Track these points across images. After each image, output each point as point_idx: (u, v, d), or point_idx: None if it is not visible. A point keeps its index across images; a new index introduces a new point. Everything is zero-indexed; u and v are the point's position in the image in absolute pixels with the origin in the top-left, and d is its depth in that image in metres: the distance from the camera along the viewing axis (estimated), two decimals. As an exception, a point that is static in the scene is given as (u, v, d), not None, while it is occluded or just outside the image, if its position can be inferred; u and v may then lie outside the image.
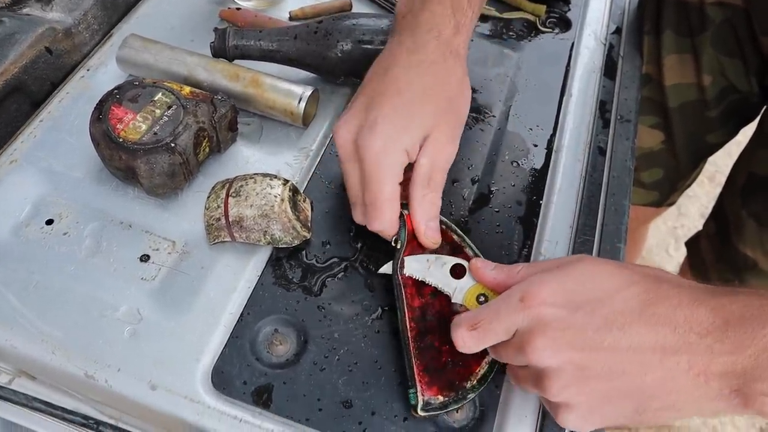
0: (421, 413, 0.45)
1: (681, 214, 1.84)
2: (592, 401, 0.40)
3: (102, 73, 0.67)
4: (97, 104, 0.55)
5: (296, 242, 0.53)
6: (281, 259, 0.54)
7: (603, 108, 0.70)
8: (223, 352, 0.48)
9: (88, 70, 0.67)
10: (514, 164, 0.63)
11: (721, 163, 1.71)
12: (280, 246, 0.53)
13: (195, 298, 0.51)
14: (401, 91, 0.50)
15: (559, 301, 0.41)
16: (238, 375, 0.48)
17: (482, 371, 0.47)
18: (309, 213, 0.56)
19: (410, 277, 0.50)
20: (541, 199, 0.61)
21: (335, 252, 0.55)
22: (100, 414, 0.48)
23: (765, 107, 0.85)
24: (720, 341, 0.38)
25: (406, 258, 0.51)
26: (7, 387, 0.48)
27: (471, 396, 0.46)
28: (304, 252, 0.55)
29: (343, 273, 0.54)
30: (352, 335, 0.50)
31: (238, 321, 0.50)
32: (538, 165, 0.64)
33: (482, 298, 0.48)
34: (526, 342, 0.41)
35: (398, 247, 0.51)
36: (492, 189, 0.61)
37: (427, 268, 0.50)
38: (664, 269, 0.44)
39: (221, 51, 0.63)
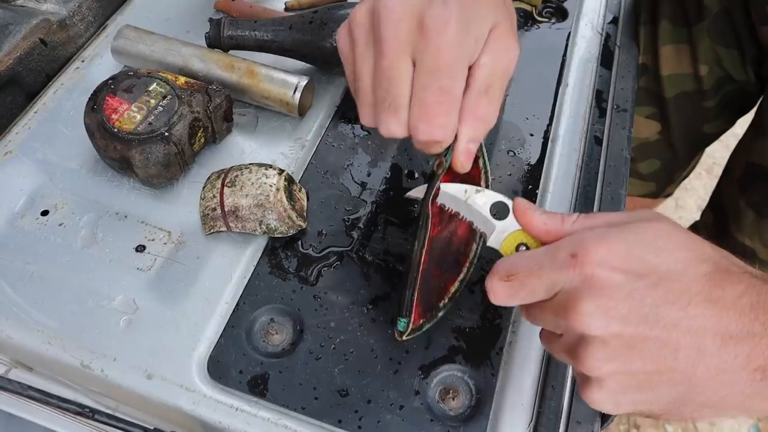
0: (405, 338, 0.46)
1: (679, 207, 1.84)
2: (630, 383, 0.35)
3: (97, 65, 0.67)
4: (91, 95, 0.55)
5: (292, 232, 0.53)
6: (277, 248, 0.54)
7: (599, 97, 0.70)
8: (219, 341, 0.49)
9: (83, 61, 0.67)
10: (511, 154, 0.63)
11: (719, 156, 1.71)
12: (276, 236, 0.53)
13: (191, 288, 0.51)
14: None
15: (620, 265, 0.35)
16: (234, 364, 0.48)
17: (453, 289, 0.47)
18: (305, 203, 0.56)
19: (440, 207, 0.44)
20: (538, 189, 0.61)
21: (331, 242, 0.55)
22: (97, 404, 0.48)
23: (762, 97, 0.85)
24: None
25: (441, 185, 0.44)
26: (3, 377, 0.48)
27: (441, 314, 0.47)
28: (299, 242, 0.55)
29: (338, 262, 0.54)
30: (348, 324, 0.50)
31: (233, 310, 0.50)
32: (535, 154, 0.64)
33: (523, 248, 0.42)
34: (570, 305, 0.35)
35: (439, 172, 0.44)
36: (488, 178, 0.61)
37: (464, 200, 0.43)
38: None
39: (216, 41, 0.63)
